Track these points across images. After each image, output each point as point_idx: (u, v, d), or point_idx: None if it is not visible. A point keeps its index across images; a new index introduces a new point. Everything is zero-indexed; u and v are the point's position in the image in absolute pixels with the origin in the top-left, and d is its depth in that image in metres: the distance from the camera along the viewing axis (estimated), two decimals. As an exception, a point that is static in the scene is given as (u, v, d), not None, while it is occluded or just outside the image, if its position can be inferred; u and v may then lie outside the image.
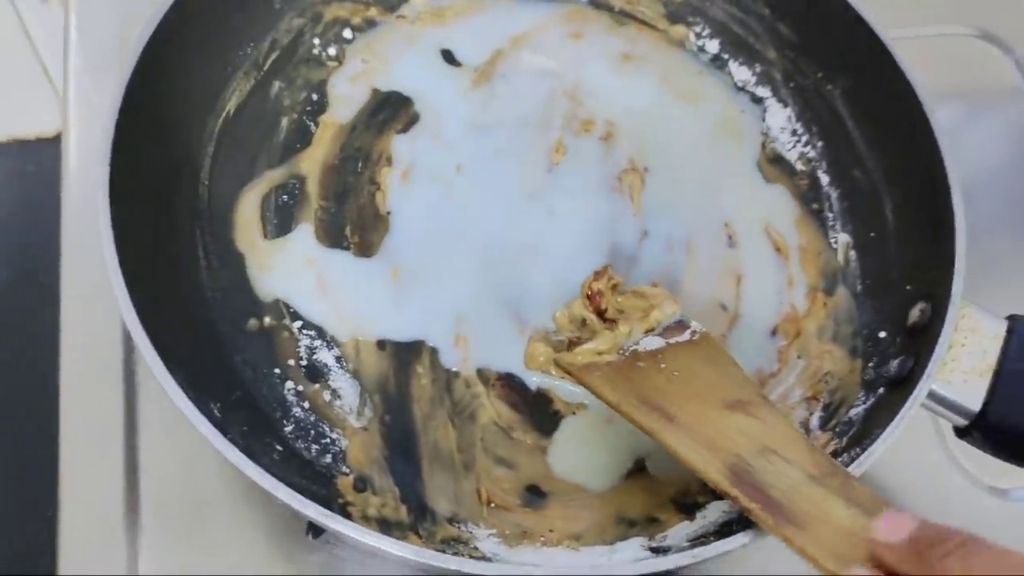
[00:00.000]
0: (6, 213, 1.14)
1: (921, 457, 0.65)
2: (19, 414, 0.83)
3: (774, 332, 0.62)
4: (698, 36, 0.73)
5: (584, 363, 0.52)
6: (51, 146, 0.82)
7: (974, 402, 0.53)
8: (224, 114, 0.63)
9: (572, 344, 0.54)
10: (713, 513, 0.54)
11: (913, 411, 0.51)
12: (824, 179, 0.68)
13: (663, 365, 0.51)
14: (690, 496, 0.55)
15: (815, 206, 0.67)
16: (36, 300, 0.81)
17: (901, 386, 0.54)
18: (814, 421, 0.58)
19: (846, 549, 0.40)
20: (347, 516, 0.50)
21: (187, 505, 0.58)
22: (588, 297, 0.56)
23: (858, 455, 0.50)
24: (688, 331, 0.53)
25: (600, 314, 0.55)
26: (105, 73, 0.73)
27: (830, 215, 0.67)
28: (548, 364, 0.56)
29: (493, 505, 0.54)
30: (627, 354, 0.52)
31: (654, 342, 0.52)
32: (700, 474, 0.45)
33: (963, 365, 0.53)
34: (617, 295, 0.56)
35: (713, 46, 0.72)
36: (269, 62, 0.66)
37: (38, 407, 0.65)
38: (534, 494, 0.55)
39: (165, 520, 0.58)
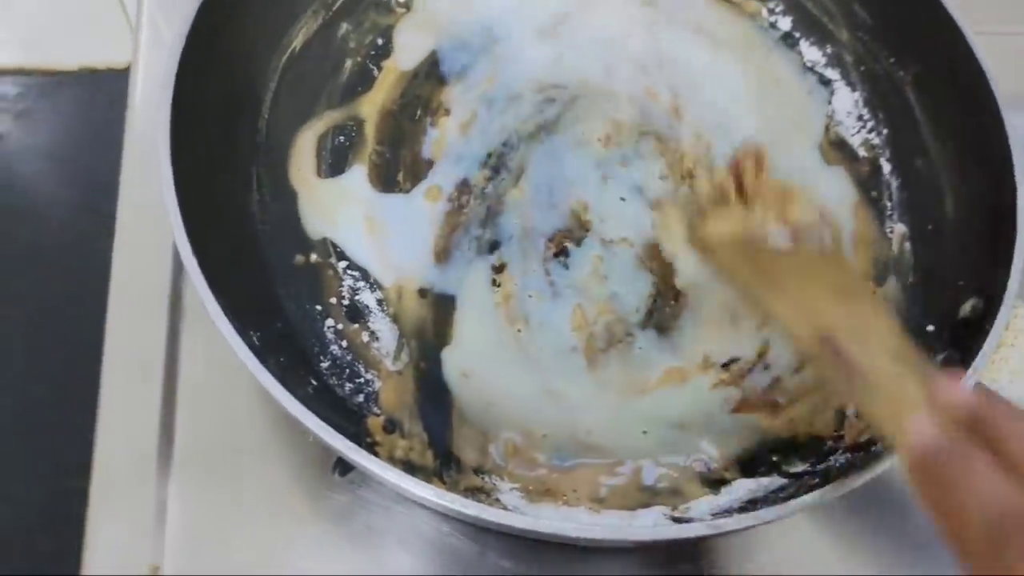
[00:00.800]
0: (73, 141, 1.17)
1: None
2: (67, 339, 0.86)
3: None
4: (771, 12, 0.71)
5: (714, 231, 0.51)
6: (120, 78, 0.83)
7: (1021, 402, 0.52)
8: (289, 51, 0.64)
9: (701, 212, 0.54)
10: (738, 490, 0.54)
11: (954, 406, 0.50)
12: (886, 167, 0.67)
13: (784, 256, 0.50)
14: (716, 472, 0.55)
15: (874, 194, 0.66)
16: (94, 228, 0.82)
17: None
18: (851, 407, 0.57)
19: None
20: (374, 455, 0.51)
21: (220, 435, 0.59)
22: (734, 166, 0.54)
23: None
24: (817, 239, 0.52)
25: (740, 189, 0.54)
26: (177, 7, 0.73)
27: (888, 204, 0.65)
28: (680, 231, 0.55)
29: (519, 459, 0.54)
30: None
31: (782, 237, 0.51)
32: (792, 331, 0.46)
33: (1012, 365, 0.53)
34: (763, 176, 0.54)
35: (786, 23, 0.71)
36: (338, 3, 0.66)
37: (86, 333, 0.66)
38: (563, 454, 0.55)
39: (197, 447, 0.58)
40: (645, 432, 0.56)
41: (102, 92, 1.16)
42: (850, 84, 0.69)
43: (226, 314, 0.48)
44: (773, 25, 0.71)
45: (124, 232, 0.65)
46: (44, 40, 1.12)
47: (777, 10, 0.71)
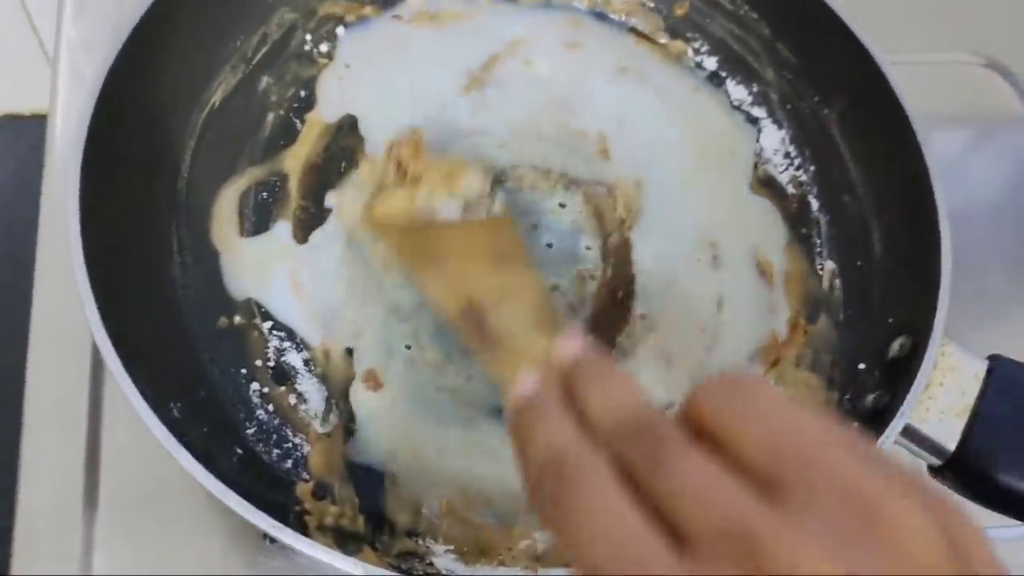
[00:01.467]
0: (-1, 188, 1.14)
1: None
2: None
3: (752, 358, 0.61)
4: (696, 52, 0.72)
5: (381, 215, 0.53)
6: (44, 123, 0.81)
7: (949, 442, 0.52)
8: (209, 106, 0.62)
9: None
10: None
11: (886, 447, 0.50)
12: (814, 204, 0.67)
13: (449, 229, 0.50)
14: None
15: (803, 231, 0.66)
16: (13, 279, 0.80)
17: (876, 421, 0.53)
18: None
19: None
20: (303, 525, 0.50)
21: (147, 501, 0.57)
22: (392, 152, 0.56)
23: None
24: (485, 209, 0.53)
25: (401, 171, 0.54)
26: (98, 51, 0.72)
27: (818, 241, 0.66)
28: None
29: (454, 518, 0.53)
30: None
31: (452, 211, 0.51)
32: (441, 307, 0.44)
33: (940, 403, 0.53)
34: (423, 157, 0.55)
35: (711, 63, 0.71)
36: (259, 56, 0.65)
37: (4, 389, 0.64)
38: (498, 510, 0.54)
39: (124, 515, 0.57)
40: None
41: (25, 138, 1.14)
42: (776, 122, 0.69)
43: (144, 389, 0.46)
44: (699, 65, 0.71)
45: (43, 287, 0.63)
46: (-37, 87, 1.10)
47: (703, 50, 0.71)
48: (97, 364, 0.60)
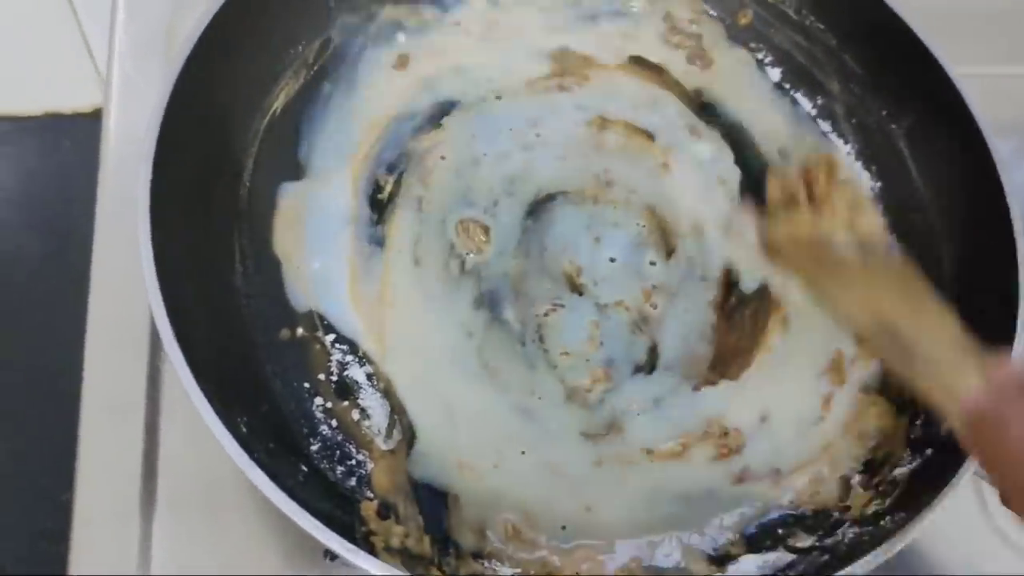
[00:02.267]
0: (40, 187, 1.13)
1: (959, 518, 0.62)
2: (41, 400, 0.82)
3: (819, 375, 0.60)
4: (759, 63, 0.70)
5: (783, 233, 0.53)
6: (87, 122, 0.81)
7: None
8: (271, 113, 0.61)
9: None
10: (745, 567, 0.53)
11: (964, 481, 0.49)
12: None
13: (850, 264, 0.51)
14: (721, 548, 0.53)
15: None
16: (65, 281, 0.79)
17: (952, 450, 0.51)
18: (855, 478, 0.56)
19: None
20: (370, 546, 0.49)
21: (204, 514, 0.56)
22: (805, 172, 0.54)
23: (904, 521, 0.48)
24: (883, 251, 0.52)
25: (810, 196, 0.53)
26: (150, 55, 0.71)
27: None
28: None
29: (519, 541, 0.52)
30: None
31: (849, 248, 0.51)
32: (852, 319, 0.50)
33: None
34: (834, 184, 0.54)
35: (775, 74, 0.70)
36: (320, 61, 0.64)
37: (61, 395, 0.64)
38: (564, 534, 0.53)
39: (180, 527, 0.56)
40: (647, 507, 0.54)
41: (68, 137, 1.13)
42: (842, 136, 0.68)
43: (212, 403, 0.45)
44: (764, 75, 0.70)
45: (99, 292, 0.63)
46: (6, 85, 1.09)
47: (766, 61, 0.70)
48: (154, 368, 0.60)
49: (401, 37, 0.67)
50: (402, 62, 0.66)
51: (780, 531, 0.54)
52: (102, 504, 0.57)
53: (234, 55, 0.58)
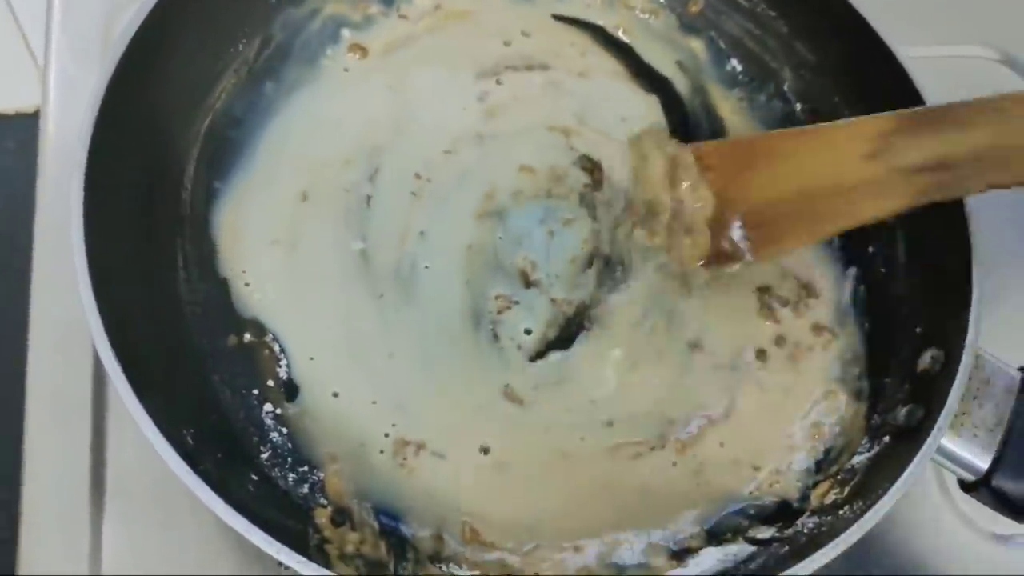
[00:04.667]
0: (-17, 191, 1.10)
1: (921, 502, 0.63)
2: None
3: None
4: (712, 50, 0.70)
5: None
6: (31, 121, 0.78)
7: (983, 459, 0.51)
8: (212, 113, 0.60)
9: None
10: (706, 561, 0.52)
11: (921, 467, 0.49)
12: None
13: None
14: (681, 541, 0.53)
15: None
16: (6, 285, 0.77)
17: (908, 437, 0.52)
18: (814, 467, 0.56)
19: None
20: (324, 555, 0.48)
21: (155, 513, 0.55)
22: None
23: (862, 510, 0.48)
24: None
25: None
26: (88, 52, 0.70)
27: (840, 248, 0.64)
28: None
29: (477, 543, 0.51)
30: None
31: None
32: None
33: (973, 419, 0.51)
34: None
35: (728, 63, 0.69)
36: (260, 60, 0.62)
37: (3, 401, 0.62)
38: (524, 533, 0.52)
39: (131, 526, 0.55)
40: (607, 504, 0.53)
41: (11, 138, 1.10)
42: (796, 123, 0.67)
43: (155, 418, 0.44)
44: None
45: (41, 300, 0.62)
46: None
47: (720, 48, 0.69)
48: (100, 370, 0.58)
49: (346, 33, 0.65)
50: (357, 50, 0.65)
51: (740, 523, 0.54)
52: (49, 506, 0.55)
53: (171, 53, 0.57)
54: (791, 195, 0.45)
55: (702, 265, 0.48)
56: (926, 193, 0.44)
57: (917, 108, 0.44)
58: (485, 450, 0.54)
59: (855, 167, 0.43)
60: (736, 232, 0.46)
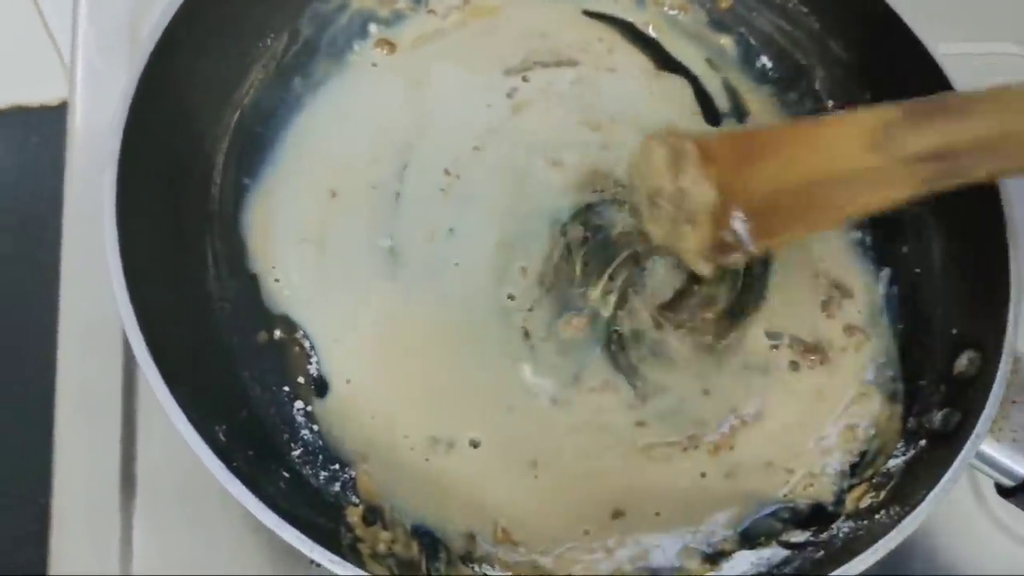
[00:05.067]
0: (8, 183, 1.10)
1: (955, 505, 0.62)
2: (13, 402, 0.80)
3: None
4: (743, 46, 0.69)
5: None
6: (55, 114, 0.78)
7: (1022, 464, 0.50)
8: (241, 108, 0.60)
9: None
10: (740, 564, 0.52)
11: (959, 472, 0.48)
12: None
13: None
14: (715, 544, 0.53)
15: (857, 235, 0.64)
16: (35, 281, 0.77)
17: (945, 441, 0.51)
18: (850, 470, 0.55)
19: None
20: (357, 554, 0.47)
21: (185, 513, 0.55)
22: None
23: (900, 516, 0.47)
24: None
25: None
26: (114, 46, 0.69)
27: (871, 244, 0.63)
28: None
29: (509, 544, 0.51)
30: None
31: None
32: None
33: (1012, 423, 0.50)
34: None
35: (759, 60, 0.69)
36: (289, 54, 0.62)
37: (34, 397, 0.62)
38: (556, 535, 0.52)
39: (161, 526, 0.55)
40: (640, 505, 0.53)
41: (35, 131, 1.10)
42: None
43: (187, 412, 0.44)
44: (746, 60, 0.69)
45: (70, 291, 0.62)
46: (-31, 79, 1.06)
47: (751, 44, 0.69)
48: (129, 367, 0.58)
49: (373, 28, 0.65)
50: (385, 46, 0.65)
51: (774, 526, 0.53)
52: (80, 506, 0.55)
53: (200, 47, 0.56)
54: (794, 187, 0.45)
55: (704, 257, 0.47)
56: (928, 182, 0.44)
57: (918, 98, 0.44)
58: (516, 449, 0.53)
59: (857, 158, 0.43)
60: (738, 223, 0.45)
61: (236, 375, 0.53)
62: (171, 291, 0.52)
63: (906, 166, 0.43)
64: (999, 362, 0.50)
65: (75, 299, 0.61)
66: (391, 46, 0.65)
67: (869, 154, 0.43)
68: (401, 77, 0.64)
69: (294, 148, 0.61)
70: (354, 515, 0.50)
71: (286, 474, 0.51)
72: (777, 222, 0.46)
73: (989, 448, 0.50)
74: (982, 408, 0.49)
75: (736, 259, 0.47)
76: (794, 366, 0.58)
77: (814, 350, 0.58)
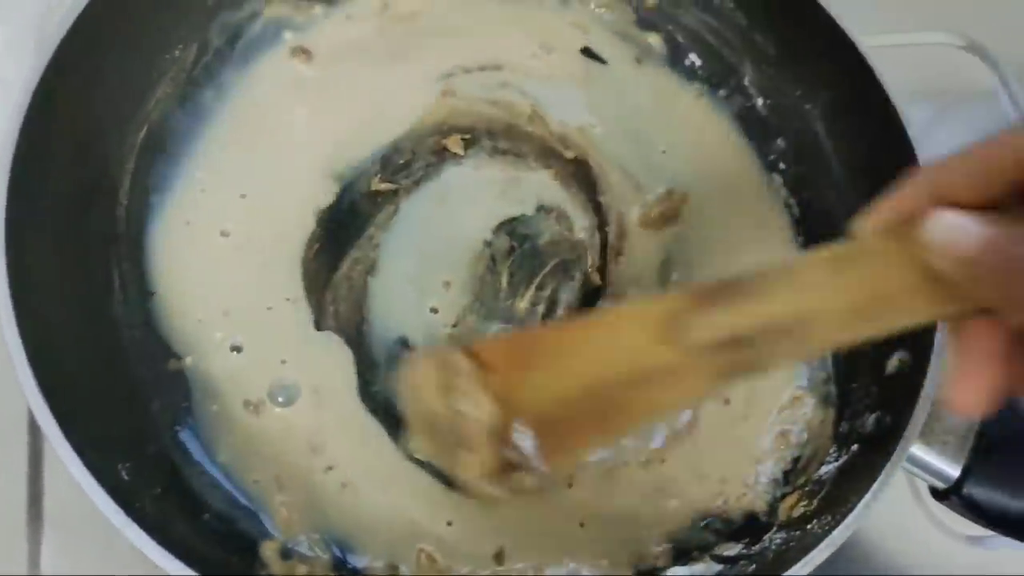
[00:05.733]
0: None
1: (893, 505, 0.61)
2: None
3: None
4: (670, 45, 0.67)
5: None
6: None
7: (954, 467, 0.49)
8: (147, 124, 0.57)
9: None
10: (672, 581, 0.50)
11: (891, 476, 0.47)
12: (793, 204, 0.63)
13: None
14: (647, 559, 0.51)
15: (789, 234, 0.63)
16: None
17: (876, 445, 0.50)
18: (778, 474, 0.54)
19: None
20: (269, 592, 0.46)
21: (96, 562, 0.52)
22: None
23: (831, 525, 0.46)
24: None
25: None
26: (22, 55, 0.66)
27: (803, 243, 0.62)
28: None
29: (436, 571, 0.49)
30: None
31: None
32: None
33: (943, 425, 0.50)
34: None
35: (687, 58, 0.67)
36: (199, 67, 0.60)
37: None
38: (485, 561, 0.50)
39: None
40: (569, 529, 0.51)
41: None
42: (758, 121, 0.66)
43: (84, 452, 0.42)
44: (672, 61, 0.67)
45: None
46: None
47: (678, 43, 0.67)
48: (35, 429, 0.56)
49: (288, 35, 0.63)
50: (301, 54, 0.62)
51: (707, 540, 0.52)
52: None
53: (102, 60, 0.54)
54: (583, 392, 0.39)
55: (489, 482, 0.40)
56: (726, 373, 0.38)
57: (710, 282, 0.39)
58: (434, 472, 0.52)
59: (648, 353, 0.38)
60: (523, 440, 0.38)
61: (145, 406, 0.51)
62: (72, 318, 0.49)
63: (700, 357, 0.38)
64: (929, 363, 0.49)
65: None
66: (307, 54, 0.63)
67: (660, 347, 0.38)
68: (318, 86, 0.62)
69: (206, 163, 0.58)
70: (270, 550, 0.48)
71: (197, 510, 0.48)
72: (569, 433, 0.40)
73: (920, 451, 0.49)
74: (912, 410, 0.48)
75: (528, 481, 0.40)
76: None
77: None
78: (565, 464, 0.48)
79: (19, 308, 0.44)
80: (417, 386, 0.41)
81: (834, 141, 0.63)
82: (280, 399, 0.52)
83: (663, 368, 0.38)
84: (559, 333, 0.44)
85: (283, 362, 0.53)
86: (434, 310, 0.56)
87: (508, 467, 0.39)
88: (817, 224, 0.62)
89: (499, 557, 0.50)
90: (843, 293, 0.37)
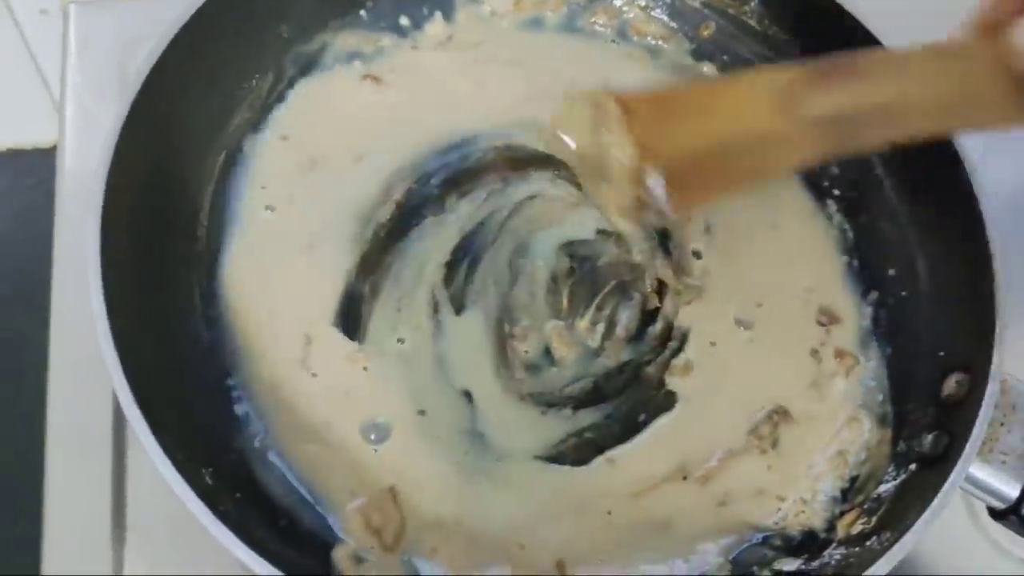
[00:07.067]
0: (2, 223, 1.11)
1: (949, 526, 0.62)
2: (4, 444, 0.81)
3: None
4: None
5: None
6: (47, 156, 0.79)
7: (1013, 486, 0.50)
8: (226, 150, 0.60)
9: None
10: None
11: (950, 495, 0.48)
12: (850, 231, 0.65)
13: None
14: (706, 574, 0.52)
15: (845, 259, 0.64)
16: (28, 321, 0.77)
17: (935, 465, 0.51)
18: (837, 492, 0.55)
19: None
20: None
21: (177, 563, 0.55)
22: None
23: (890, 542, 0.47)
24: None
25: None
26: (104, 87, 0.70)
27: (859, 271, 0.63)
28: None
29: None
30: None
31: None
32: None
33: (1002, 445, 0.50)
34: None
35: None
36: (275, 94, 0.63)
37: (24, 438, 0.62)
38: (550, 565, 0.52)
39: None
40: (630, 537, 0.53)
41: (29, 173, 1.11)
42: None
43: (172, 456, 0.44)
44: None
45: (60, 332, 0.62)
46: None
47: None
48: (119, 408, 0.57)
49: (358, 65, 0.65)
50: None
51: (766, 555, 0.53)
52: (70, 543, 0.55)
53: (185, 91, 0.57)
54: (708, 148, 0.45)
55: (622, 215, 0.47)
56: (830, 145, 0.44)
57: (825, 60, 0.44)
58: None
59: (766, 119, 0.43)
60: (655, 184, 0.44)
61: (228, 413, 0.53)
62: (158, 332, 0.52)
63: (809, 128, 0.43)
64: (986, 384, 0.50)
65: (65, 340, 0.61)
66: (377, 81, 0.66)
67: (776, 115, 0.43)
68: (389, 111, 0.65)
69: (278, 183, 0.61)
70: (343, 554, 0.50)
71: (275, 515, 0.50)
72: (692, 184, 0.46)
73: (978, 471, 0.50)
74: (970, 431, 0.49)
75: (653, 220, 0.47)
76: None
77: None
78: (687, 209, 0.55)
79: (114, 323, 0.46)
80: (571, 123, 0.46)
81: (888, 169, 0.64)
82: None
83: (776, 135, 0.44)
84: (695, 93, 0.50)
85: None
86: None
87: (639, 205, 0.44)
88: (871, 247, 0.63)
89: (560, 566, 0.52)
90: (939, 85, 0.42)
